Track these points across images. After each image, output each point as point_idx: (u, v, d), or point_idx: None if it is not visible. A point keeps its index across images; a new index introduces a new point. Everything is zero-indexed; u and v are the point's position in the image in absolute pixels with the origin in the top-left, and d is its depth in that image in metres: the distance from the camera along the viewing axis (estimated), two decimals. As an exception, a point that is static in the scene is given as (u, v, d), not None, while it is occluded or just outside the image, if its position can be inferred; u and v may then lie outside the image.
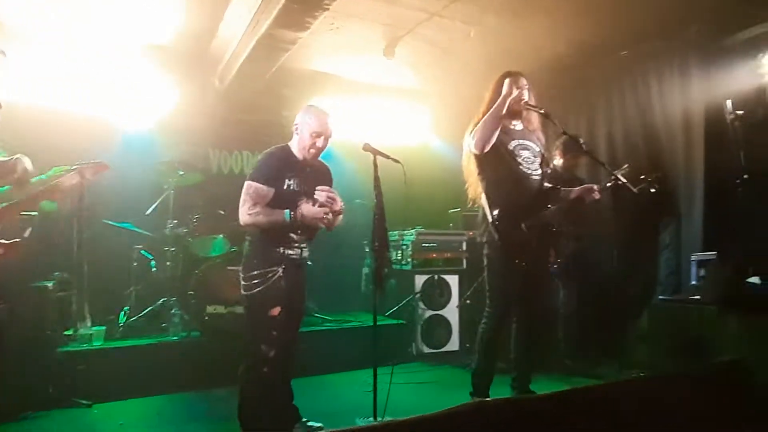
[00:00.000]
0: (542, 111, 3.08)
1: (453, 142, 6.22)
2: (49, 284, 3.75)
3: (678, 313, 3.48)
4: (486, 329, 3.12)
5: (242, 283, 2.77)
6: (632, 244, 4.34)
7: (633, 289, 4.22)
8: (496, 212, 3.00)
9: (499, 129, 3.01)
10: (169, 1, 3.97)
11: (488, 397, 3.13)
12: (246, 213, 2.69)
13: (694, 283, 3.76)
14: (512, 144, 3.09)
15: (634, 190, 3.04)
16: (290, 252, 2.80)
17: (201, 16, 4.22)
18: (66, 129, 4.38)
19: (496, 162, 3.05)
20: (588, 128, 4.99)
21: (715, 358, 2.47)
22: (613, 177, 3.11)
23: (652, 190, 3.20)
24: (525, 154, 3.10)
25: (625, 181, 3.06)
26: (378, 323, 4.39)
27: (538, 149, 3.17)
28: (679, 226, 4.26)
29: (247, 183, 2.75)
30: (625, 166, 3.25)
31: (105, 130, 4.72)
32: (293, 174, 2.79)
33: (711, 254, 3.73)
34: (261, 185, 2.71)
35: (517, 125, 3.19)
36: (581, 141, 3.09)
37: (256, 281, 2.70)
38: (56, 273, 3.99)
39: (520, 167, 3.05)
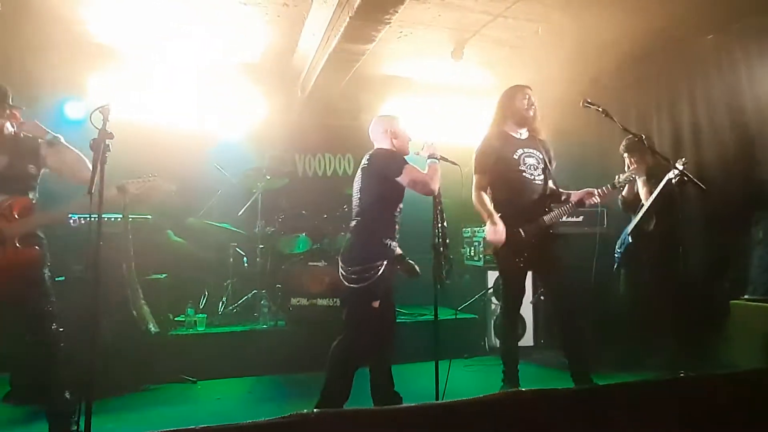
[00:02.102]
0: (600, 109, 3.10)
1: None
2: (162, 276, 4.38)
3: (756, 313, 3.28)
4: (500, 319, 3.64)
5: (348, 276, 2.91)
6: (715, 240, 4.11)
7: (715, 287, 4.00)
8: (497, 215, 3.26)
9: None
10: (256, 23, 4.42)
11: (517, 382, 3.39)
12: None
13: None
14: (518, 153, 3.32)
15: (702, 186, 2.95)
16: (393, 244, 3.02)
17: (282, 34, 4.64)
18: (169, 142, 5.02)
19: (502, 169, 3.30)
20: (671, 119, 4.75)
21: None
22: (679, 172, 3.04)
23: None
24: (530, 161, 3.32)
25: (691, 176, 2.98)
26: (450, 317, 4.62)
27: (542, 156, 3.36)
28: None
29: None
30: (683, 159, 3.16)
31: (204, 141, 5.34)
32: None
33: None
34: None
35: (523, 134, 3.40)
36: (644, 138, 3.06)
37: (366, 274, 2.87)
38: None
39: (524, 174, 3.28)
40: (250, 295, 4.81)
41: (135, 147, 4.53)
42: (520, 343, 4.90)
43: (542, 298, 4.88)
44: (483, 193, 3.36)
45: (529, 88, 3.39)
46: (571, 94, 4.37)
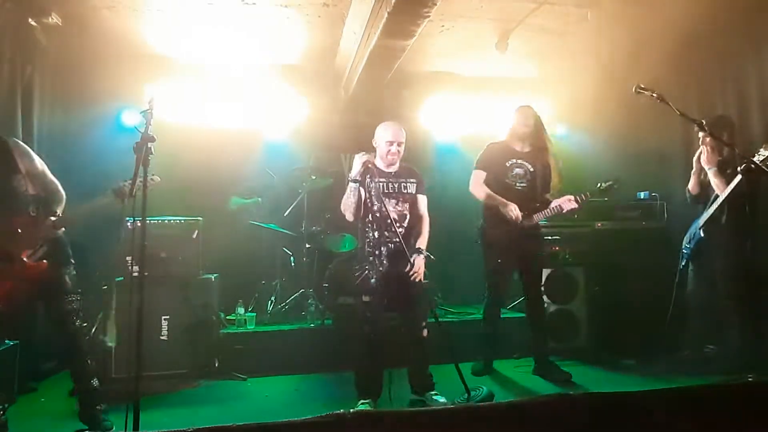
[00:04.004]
0: (655, 95, 2.91)
1: (577, 129, 5.97)
2: (213, 276, 4.50)
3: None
4: (484, 308, 4.24)
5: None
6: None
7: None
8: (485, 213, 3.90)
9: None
10: (297, 25, 4.47)
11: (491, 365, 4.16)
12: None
13: None
14: (509, 162, 3.91)
15: (772, 173, 2.71)
16: (381, 249, 3.31)
17: (324, 35, 4.67)
18: (219, 145, 5.18)
19: (494, 173, 3.92)
20: (738, 101, 4.40)
21: None
22: (745, 160, 2.81)
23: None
24: (517, 171, 3.90)
25: (759, 163, 2.74)
26: (500, 316, 4.51)
27: (532, 169, 3.90)
28: None
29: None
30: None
31: (251, 143, 5.47)
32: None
33: None
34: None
35: (525, 147, 3.96)
36: (703, 123, 2.84)
37: (356, 275, 3.36)
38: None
39: (507, 180, 3.87)
40: (297, 294, 4.87)
41: (184, 150, 4.75)
42: (574, 343, 4.76)
43: (596, 288, 4.72)
44: (486, 187, 3.88)
45: (530, 107, 3.96)
46: (625, 83, 4.14)
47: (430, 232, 3.53)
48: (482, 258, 4.09)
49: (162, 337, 4.00)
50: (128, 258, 3.81)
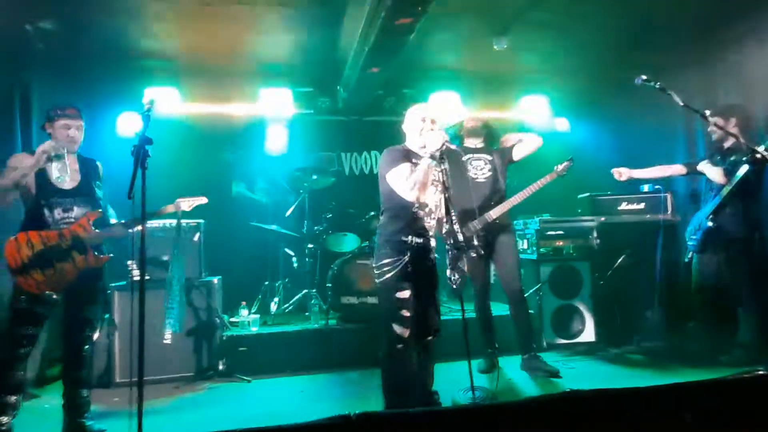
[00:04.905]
0: (658, 85, 2.89)
1: (578, 122, 5.93)
2: (215, 279, 4.48)
3: None
4: (474, 306, 4.09)
5: (375, 272, 2.96)
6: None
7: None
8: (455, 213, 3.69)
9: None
10: (297, 25, 4.43)
11: (493, 358, 4.04)
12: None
13: None
14: (466, 157, 4.01)
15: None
16: (416, 240, 2.92)
17: (322, 34, 4.63)
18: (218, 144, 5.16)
19: (454, 172, 3.63)
20: (741, 91, 4.35)
21: None
22: (751, 151, 2.77)
23: None
24: (476, 163, 4.03)
25: (765, 153, 2.70)
26: (491, 310, 4.50)
27: (490, 159, 4.04)
28: None
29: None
30: None
31: (251, 143, 5.46)
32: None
33: None
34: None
35: (478, 143, 4.14)
36: (707, 114, 2.81)
37: (386, 269, 2.88)
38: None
39: (468, 173, 3.95)
40: (300, 295, 4.85)
41: (184, 151, 4.74)
42: (581, 339, 4.74)
43: (601, 282, 4.69)
44: None
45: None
46: (626, 74, 4.09)
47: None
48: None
49: (165, 341, 3.98)
50: (129, 262, 3.79)
